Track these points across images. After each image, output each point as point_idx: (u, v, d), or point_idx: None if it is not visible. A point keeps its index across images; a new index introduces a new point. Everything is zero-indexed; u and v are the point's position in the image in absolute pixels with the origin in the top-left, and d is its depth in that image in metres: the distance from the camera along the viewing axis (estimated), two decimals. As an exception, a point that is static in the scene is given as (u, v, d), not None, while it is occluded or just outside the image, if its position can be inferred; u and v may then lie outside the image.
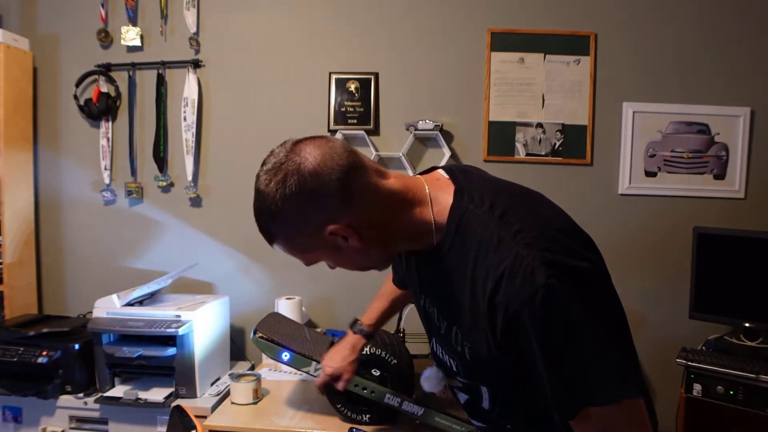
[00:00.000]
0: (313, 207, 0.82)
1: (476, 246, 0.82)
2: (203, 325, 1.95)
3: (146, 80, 2.37)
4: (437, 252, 0.88)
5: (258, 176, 0.87)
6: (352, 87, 2.30)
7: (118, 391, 1.89)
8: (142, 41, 2.36)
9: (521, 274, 0.76)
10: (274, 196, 0.83)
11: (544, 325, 0.76)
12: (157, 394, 1.87)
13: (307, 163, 0.82)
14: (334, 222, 0.83)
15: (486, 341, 0.83)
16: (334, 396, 1.67)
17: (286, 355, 1.63)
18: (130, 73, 2.37)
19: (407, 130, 2.27)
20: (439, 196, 0.88)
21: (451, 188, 0.88)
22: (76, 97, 2.36)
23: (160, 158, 2.37)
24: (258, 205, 0.87)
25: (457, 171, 0.93)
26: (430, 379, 1.05)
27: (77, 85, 2.35)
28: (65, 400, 1.91)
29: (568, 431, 0.82)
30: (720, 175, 2.25)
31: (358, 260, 0.91)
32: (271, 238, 0.89)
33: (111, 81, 2.36)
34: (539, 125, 2.27)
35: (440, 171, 0.94)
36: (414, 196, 0.88)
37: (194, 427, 1.53)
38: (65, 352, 1.89)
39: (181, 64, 2.34)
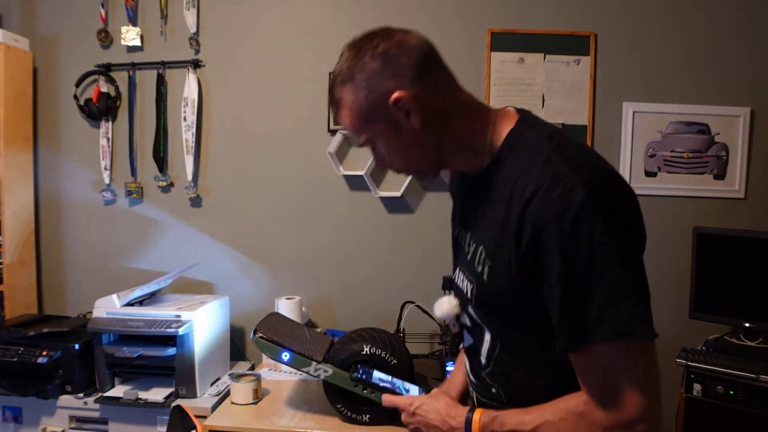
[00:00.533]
0: (389, 71, 0.87)
1: (524, 164, 0.85)
2: (203, 325, 1.95)
3: (146, 80, 2.37)
4: (486, 171, 0.91)
5: (347, 43, 0.93)
6: (352, 87, 2.30)
7: (118, 391, 1.89)
8: (142, 41, 2.36)
9: (560, 188, 0.78)
10: (356, 54, 0.89)
11: (569, 242, 0.77)
12: (157, 394, 1.87)
13: (396, 35, 0.89)
14: (403, 88, 0.86)
15: (508, 259, 0.84)
16: (334, 396, 1.67)
17: (286, 355, 1.63)
18: (130, 73, 2.37)
19: (407, 130, 2.27)
20: (503, 121, 0.92)
21: (516, 118, 0.92)
22: (76, 97, 2.36)
23: (160, 158, 2.37)
24: (339, 66, 0.91)
25: (526, 110, 0.97)
26: (442, 305, 1.03)
27: (77, 85, 2.36)
28: (65, 400, 1.91)
29: (565, 382, 0.84)
30: (720, 175, 2.25)
31: (411, 150, 0.92)
32: (339, 103, 0.93)
33: (111, 81, 2.36)
34: (539, 125, 2.27)
35: (511, 107, 0.98)
36: (480, 112, 0.93)
37: (194, 427, 1.53)
38: (65, 352, 1.89)
39: (181, 64, 2.34)
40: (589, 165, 0.82)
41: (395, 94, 0.86)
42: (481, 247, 0.92)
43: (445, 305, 1.02)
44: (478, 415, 0.93)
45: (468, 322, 1.01)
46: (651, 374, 0.80)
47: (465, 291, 0.97)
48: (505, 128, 0.91)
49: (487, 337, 0.95)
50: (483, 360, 0.97)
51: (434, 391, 1.06)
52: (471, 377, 1.05)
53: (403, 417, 1.08)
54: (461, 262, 1.01)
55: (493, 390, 0.97)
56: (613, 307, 0.77)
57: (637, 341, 0.78)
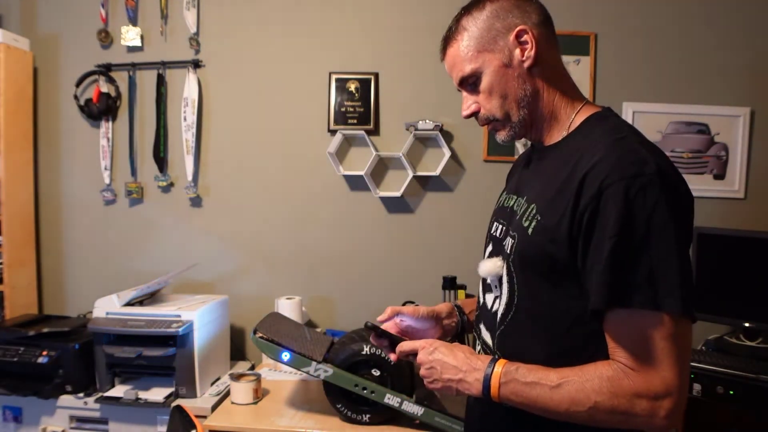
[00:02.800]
0: (518, 11, 0.96)
1: (597, 137, 0.89)
2: (203, 325, 1.95)
3: (146, 80, 2.37)
4: (559, 143, 0.97)
5: None
6: (352, 87, 2.30)
7: (118, 391, 1.89)
8: (142, 41, 2.36)
9: (634, 158, 0.82)
10: None
11: (632, 205, 0.80)
12: (157, 394, 1.87)
13: None
14: (527, 26, 0.95)
15: (560, 215, 0.86)
16: (334, 396, 1.67)
17: (286, 355, 1.63)
18: (130, 73, 2.37)
19: (407, 130, 2.27)
20: (589, 107, 0.98)
21: (601, 108, 0.98)
22: (76, 97, 2.36)
23: (160, 158, 2.37)
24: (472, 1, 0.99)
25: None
26: (486, 264, 1.03)
27: (77, 85, 2.36)
28: (65, 400, 1.92)
29: (559, 362, 0.86)
30: (720, 175, 2.25)
31: (511, 92, 0.96)
32: (457, 30, 0.99)
33: (111, 81, 2.36)
34: (539, 125, 2.27)
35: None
36: (575, 90, 1.00)
37: (194, 427, 1.53)
38: (65, 352, 1.89)
39: (181, 64, 2.34)
40: (662, 154, 0.87)
41: (519, 28, 0.94)
42: (533, 205, 0.94)
43: (490, 264, 1.03)
44: (501, 365, 0.91)
45: (495, 282, 1.02)
46: (685, 354, 0.81)
47: (506, 246, 0.99)
48: (590, 112, 0.96)
49: (505, 299, 0.97)
50: (496, 321, 0.99)
51: (454, 343, 1.03)
52: (480, 337, 1.07)
53: (420, 355, 1.00)
54: (507, 221, 1.03)
55: (496, 357, 0.97)
56: (656, 277, 0.79)
57: (676, 316, 0.79)
